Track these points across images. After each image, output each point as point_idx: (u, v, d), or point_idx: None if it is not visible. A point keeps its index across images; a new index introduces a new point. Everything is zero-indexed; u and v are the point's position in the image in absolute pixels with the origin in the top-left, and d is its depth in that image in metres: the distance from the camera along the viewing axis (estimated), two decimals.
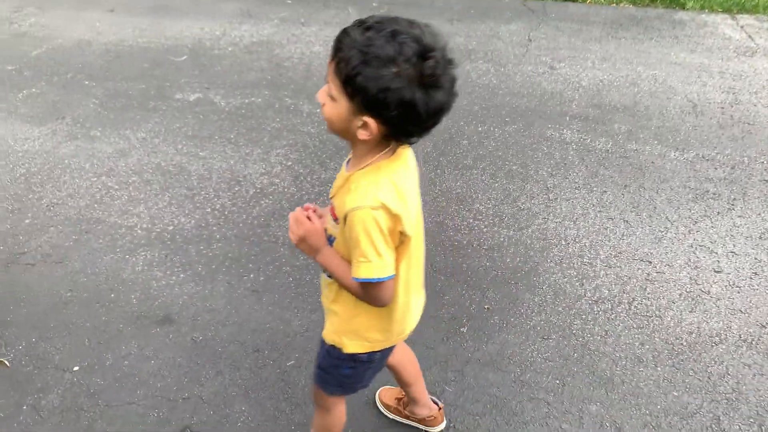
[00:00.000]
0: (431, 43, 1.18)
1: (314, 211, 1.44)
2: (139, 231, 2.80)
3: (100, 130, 3.50)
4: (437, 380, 2.16)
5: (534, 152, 3.29)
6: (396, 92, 1.17)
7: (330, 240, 1.43)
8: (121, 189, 3.06)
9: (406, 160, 1.36)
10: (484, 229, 2.80)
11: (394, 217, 1.30)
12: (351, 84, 1.18)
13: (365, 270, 1.33)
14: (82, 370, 2.20)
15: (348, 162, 1.41)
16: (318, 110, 3.62)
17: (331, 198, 1.42)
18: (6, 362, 2.23)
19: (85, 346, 2.28)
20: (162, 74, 4.01)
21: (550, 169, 3.17)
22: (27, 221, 2.87)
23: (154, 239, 2.75)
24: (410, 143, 1.33)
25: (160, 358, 2.22)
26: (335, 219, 1.39)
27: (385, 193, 1.29)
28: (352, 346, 1.53)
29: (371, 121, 1.22)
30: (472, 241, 2.74)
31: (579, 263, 2.62)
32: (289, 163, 3.22)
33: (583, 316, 2.38)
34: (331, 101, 1.25)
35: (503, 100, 3.71)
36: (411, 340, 2.37)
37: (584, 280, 2.54)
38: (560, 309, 2.42)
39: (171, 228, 2.81)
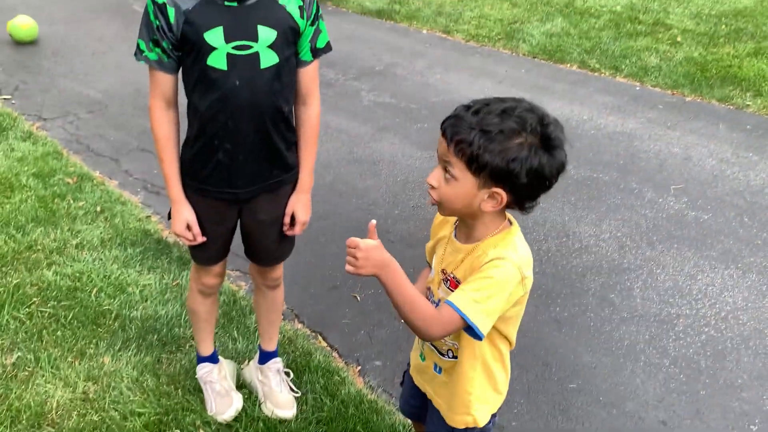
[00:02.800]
0: (543, 111, 1.31)
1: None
2: None
3: None
4: None
5: None
6: (525, 161, 1.26)
7: None
8: None
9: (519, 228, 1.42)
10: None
11: (525, 280, 1.35)
12: (477, 161, 1.26)
13: (467, 305, 1.30)
14: None
15: (456, 236, 1.45)
16: (661, 199, 3.78)
17: (451, 272, 1.43)
18: (358, 298, 2.90)
19: None
20: None
21: None
22: (396, 212, 3.62)
23: None
24: (529, 209, 1.37)
25: None
26: None
27: (522, 258, 1.36)
28: (483, 411, 1.51)
29: (501, 192, 1.30)
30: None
31: None
32: (619, 234, 3.46)
33: None
34: (448, 183, 1.32)
35: None
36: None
37: None
38: None
39: None
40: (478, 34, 6.66)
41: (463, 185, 1.31)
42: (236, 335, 2.60)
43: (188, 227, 1.90)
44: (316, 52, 1.88)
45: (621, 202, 3.79)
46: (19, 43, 5.79)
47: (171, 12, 1.70)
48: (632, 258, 3.27)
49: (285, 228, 2.02)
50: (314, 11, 1.82)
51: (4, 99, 4.77)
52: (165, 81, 1.80)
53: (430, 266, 1.63)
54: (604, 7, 7.08)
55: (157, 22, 1.72)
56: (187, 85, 1.82)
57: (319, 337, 2.68)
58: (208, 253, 2.01)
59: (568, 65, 5.96)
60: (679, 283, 3.09)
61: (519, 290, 1.36)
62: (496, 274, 1.31)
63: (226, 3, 1.71)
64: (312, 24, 1.83)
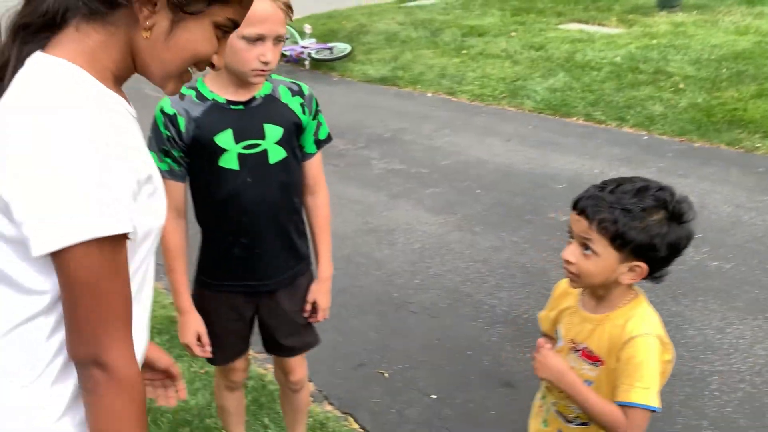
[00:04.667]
0: (672, 188, 1.45)
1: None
2: (499, 311, 3.31)
3: (481, 228, 4.21)
4: None
5: None
6: (665, 236, 1.40)
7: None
8: (490, 276, 3.64)
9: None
10: None
11: (666, 346, 1.47)
12: (622, 238, 1.39)
13: (643, 395, 1.40)
14: (438, 399, 2.72)
15: (582, 305, 1.56)
16: None
17: (581, 342, 1.53)
18: (386, 374, 2.88)
19: (443, 382, 2.80)
20: (540, 195, 4.63)
21: None
22: (416, 281, 3.62)
23: (510, 321, 3.22)
24: (660, 279, 1.49)
25: (499, 411, 2.62)
26: (593, 362, 1.50)
27: (658, 324, 1.48)
28: None
29: (642, 265, 1.42)
30: None
31: None
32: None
33: None
34: (588, 258, 1.43)
35: None
36: None
37: None
38: None
39: (525, 316, 3.25)
40: (482, 93, 6.80)
41: (605, 260, 1.43)
42: (267, 422, 2.58)
43: (198, 338, 1.91)
44: (319, 144, 1.97)
45: None
46: None
47: (182, 121, 1.78)
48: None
49: (306, 315, 2.04)
50: (314, 107, 1.93)
51: None
52: (176, 190, 1.85)
53: (545, 336, 1.71)
54: (603, 59, 7.23)
55: (168, 133, 1.78)
56: (197, 188, 1.88)
57: (350, 419, 2.65)
58: (226, 353, 2.02)
59: (575, 119, 6.05)
60: (709, 338, 3.05)
61: (665, 356, 1.48)
62: (645, 356, 1.42)
63: (233, 107, 1.80)
64: (314, 118, 1.93)
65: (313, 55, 7.85)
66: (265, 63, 1.70)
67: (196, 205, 1.92)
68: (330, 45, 8.06)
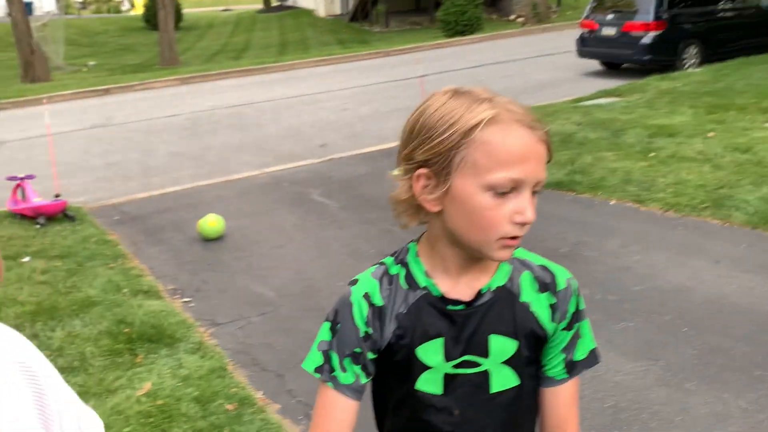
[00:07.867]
0: None
1: None
2: None
3: (694, 384, 3.30)
4: None
5: None
6: None
7: None
8: None
9: None
10: None
11: None
12: None
13: None
14: None
15: None
16: None
17: None
18: None
19: None
20: None
21: None
22: None
23: None
24: None
25: None
26: None
27: None
28: None
29: None
30: None
31: None
32: None
33: None
34: None
35: None
36: None
37: None
38: None
39: None
40: (678, 203, 5.88)
41: None
42: None
43: None
44: (572, 368, 1.27)
45: None
46: (208, 240, 6.01)
47: (387, 317, 1.21)
48: None
49: None
50: (572, 309, 1.27)
51: (185, 302, 4.80)
52: (347, 411, 1.22)
53: None
54: None
55: (369, 330, 1.21)
56: (380, 406, 1.31)
57: None
58: None
59: None
60: None
61: None
62: None
63: (449, 307, 1.21)
64: (568, 327, 1.27)
65: None
66: (523, 225, 1.14)
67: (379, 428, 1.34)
68: None
